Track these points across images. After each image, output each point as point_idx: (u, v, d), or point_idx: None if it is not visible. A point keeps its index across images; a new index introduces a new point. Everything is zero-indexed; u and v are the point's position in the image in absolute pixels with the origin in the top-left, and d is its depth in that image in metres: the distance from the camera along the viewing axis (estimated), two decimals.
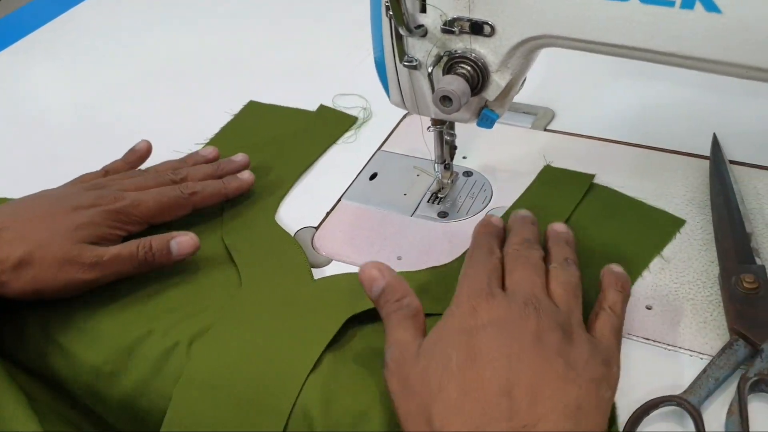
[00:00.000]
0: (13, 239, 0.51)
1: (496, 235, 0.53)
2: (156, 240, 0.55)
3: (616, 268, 0.50)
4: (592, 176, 0.62)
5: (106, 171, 0.64)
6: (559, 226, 0.54)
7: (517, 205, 0.61)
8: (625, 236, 0.57)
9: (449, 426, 0.39)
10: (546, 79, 0.74)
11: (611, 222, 0.58)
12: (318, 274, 0.58)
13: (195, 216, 0.61)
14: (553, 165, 0.64)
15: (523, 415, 0.39)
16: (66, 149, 0.76)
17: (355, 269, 0.58)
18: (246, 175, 0.63)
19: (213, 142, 0.73)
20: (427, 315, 0.50)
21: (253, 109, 0.78)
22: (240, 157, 0.66)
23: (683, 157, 0.64)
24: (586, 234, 0.56)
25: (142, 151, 0.66)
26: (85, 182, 0.61)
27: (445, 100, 0.47)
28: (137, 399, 0.52)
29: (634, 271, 0.54)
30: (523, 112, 0.71)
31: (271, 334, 0.52)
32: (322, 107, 0.76)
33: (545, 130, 0.70)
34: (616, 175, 0.63)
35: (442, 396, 0.40)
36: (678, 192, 0.61)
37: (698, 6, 0.41)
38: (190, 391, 0.50)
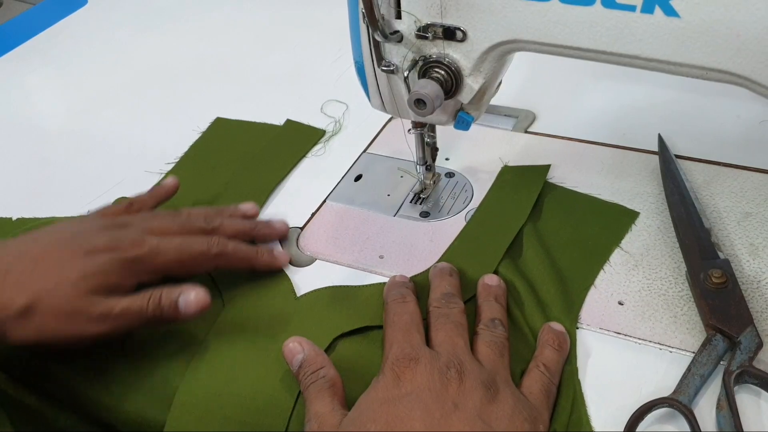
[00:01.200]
0: (17, 283, 0.48)
1: (406, 287, 0.54)
2: (165, 294, 0.50)
3: (556, 326, 0.51)
4: (548, 167, 0.65)
5: (131, 204, 0.60)
6: (490, 279, 0.54)
7: (484, 203, 0.63)
8: (585, 231, 0.59)
9: None
10: (527, 83, 0.76)
11: (570, 219, 0.60)
12: (301, 272, 0.60)
13: None
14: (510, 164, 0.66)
15: None
16: (58, 155, 0.77)
17: (337, 268, 0.60)
18: (281, 255, 0.59)
19: (182, 161, 0.73)
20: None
21: (220, 125, 0.78)
22: (280, 225, 0.62)
23: (654, 157, 0.66)
24: (551, 233, 0.59)
25: (169, 188, 0.62)
26: (107, 216, 0.57)
27: (419, 103, 0.49)
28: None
29: (596, 264, 0.56)
30: (505, 115, 0.73)
31: (258, 355, 0.52)
32: (288, 122, 0.76)
33: (526, 132, 0.71)
34: (593, 174, 0.65)
35: None
36: (653, 190, 0.62)
37: (658, 11, 0.42)
38: (183, 415, 0.51)
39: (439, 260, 0.58)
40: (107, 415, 0.52)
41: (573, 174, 0.65)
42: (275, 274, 0.60)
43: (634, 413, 0.46)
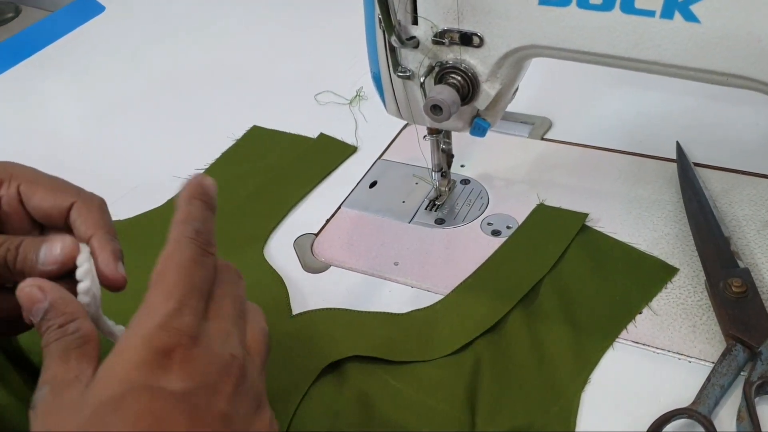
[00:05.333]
0: None
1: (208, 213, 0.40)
2: (27, 241, 0.41)
3: None
4: (585, 215, 0.61)
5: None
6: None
7: (507, 243, 0.60)
8: (614, 284, 0.55)
9: None
10: (543, 90, 0.76)
11: (600, 270, 0.56)
12: (316, 279, 0.60)
13: None
14: (546, 203, 0.63)
15: None
16: (76, 161, 0.78)
17: (351, 274, 0.60)
18: None
19: (213, 167, 0.73)
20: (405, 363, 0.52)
21: (255, 134, 0.78)
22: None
23: (672, 164, 0.65)
24: (576, 280, 0.56)
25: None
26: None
27: (435, 109, 0.49)
28: None
29: (620, 323, 0.52)
30: (521, 122, 0.72)
31: None
32: (322, 135, 0.76)
33: (542, 139, 0.71)
34: (609, 182, 0.64)
35: None
36: (671, 198, 0.62)
37: (677, 16, 0.42)
38: None
39: (452, 293, 0.57)
40: None
41: (589, 181, 0.65)
42: (273, 285, 0.60)
43: (652, 424, 0.45)
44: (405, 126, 0.75)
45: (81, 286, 0.39)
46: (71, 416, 0.32)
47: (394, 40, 0.50)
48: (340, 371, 0.53)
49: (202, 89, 0.88)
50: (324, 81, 0.84)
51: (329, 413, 0.51)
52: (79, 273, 0.39)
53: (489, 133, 0.70)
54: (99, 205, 0.44)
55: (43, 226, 0.44)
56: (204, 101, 0.85)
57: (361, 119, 0.78)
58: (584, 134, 0.70)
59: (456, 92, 0.49)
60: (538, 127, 0.72)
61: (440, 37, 0.50)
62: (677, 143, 0.65)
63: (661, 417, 0.45)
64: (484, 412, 0.48)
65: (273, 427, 0.36)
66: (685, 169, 0.62)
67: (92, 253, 0.41)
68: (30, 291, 0.36)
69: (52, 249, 0.40)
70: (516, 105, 0.70)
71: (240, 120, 0.80)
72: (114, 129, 0.83)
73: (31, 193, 0.43)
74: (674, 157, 0.65)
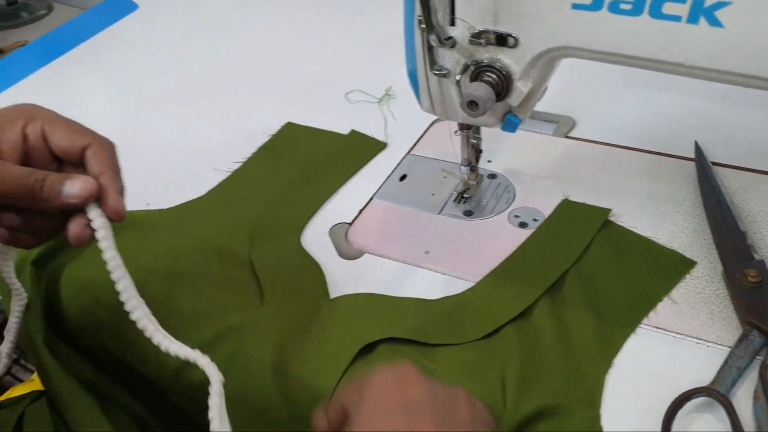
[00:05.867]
0: None
1: None
2: (52, 175, 0.47)
3: None
4: (608, 211, 0.64)
5: None
6: None
7: (534, 236, 0.63)
8: (635, 276, 0.58)
9: None
10: (567, 90, 0.78)
11: (622, 262, 0.60)
12: (351, 265, 0.63)
13: (224, 231, 0.65)
14: (571, 198, 0.66)
15: None
16: None
17: (385, 261, 0.63)
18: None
19: (250, 160, 0.77)
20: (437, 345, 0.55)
21: (289, 130, 0.81)
22: None
23: (690, 163, 0.68)
24: (599, 272, 0.59)
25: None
26: None
27: (472, 104, 0.52)
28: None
29: (641, 312, 0.55)
30: (546, 121, 0.76)
31: (293, 356, 0.55)
32: (353, 132, 0.79)
33: (566, 137, 0.74)
34: (630, 178, 0.67)
35: None
36: (689, 194, 0.65)
37: (702, 21, 0.45)
38: (232, 412, 0.53)
39: (482, 281, 0.60)
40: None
41: (611, 177, 0.68)
42: (311, 271, 0.63)
43: (673, 401, 0.48)
44: (432, 123, 0.78)
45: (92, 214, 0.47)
46: None
47: (433, 39, 0.53)
48: (376, 353, 0.56)
49: (236, 86, 0.91)
50: (354, 80, 0.88)
51: None
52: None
53: (515, 131, 0.74)
54: (110, 148, 0.50)
55: (60, 161, 0.50)
56: (238, 98, 0.89)
57: (390, 117, 0.81)
58: (606, 133, 0.73)
59: (491, 89, 0.52)
60: (562, 126, 0.75)
61: (477, 38, 0.53)
62: (695, 143, 0.68)
63: (681, 395, 0.48)
64: (513, 392, 0.51)
65: None
66: (703, 167, 0.65)
67: (101, 188, 0.47)
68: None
69: (74, 185, 0.46)
70: (541, 104, 0.73)
71: (273, 117, 0.83)
72: (150, 124, 0.86)
73: (53, 131, 0.48)
74: (693, 156, 0.68)
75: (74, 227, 0.47)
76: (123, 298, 0.47)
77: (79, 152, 0.49)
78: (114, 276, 0.47)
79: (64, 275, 0.63)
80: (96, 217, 0.46)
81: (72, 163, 0.50)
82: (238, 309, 0.60)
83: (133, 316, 0.48)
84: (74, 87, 0.97)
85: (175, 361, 0.58)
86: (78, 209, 0.47)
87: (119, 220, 0.48)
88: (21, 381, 1.70)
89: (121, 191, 0.48)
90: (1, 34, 1.42)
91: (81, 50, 1.06)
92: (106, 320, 0.61)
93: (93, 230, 0.47)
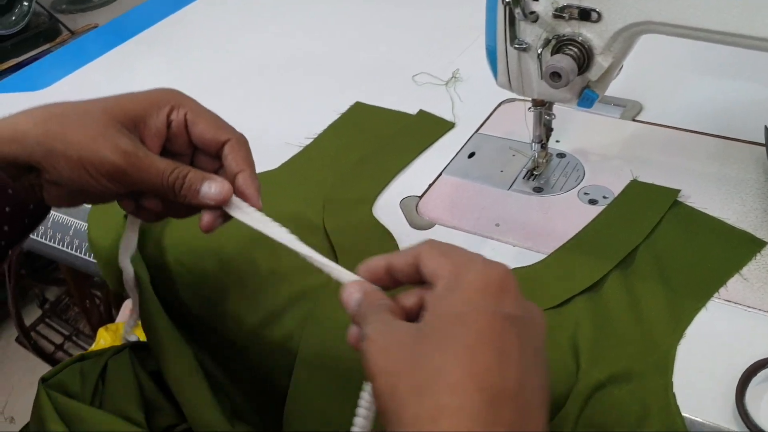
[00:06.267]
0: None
1: None
2: (193, 173, 0.49)
3: None
4: (678, 191, 0.65)
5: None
6: None
7: (605, 212, 0.64)
8: (705, 254, 0.59)
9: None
10: (634, 76, 0.79)
11: (692, 240, 0.61)
12: (422, 235, 0.65)
13: (298, 201, 0.67)
14: (639, 179, 0.67)
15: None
16: None
17: (455, 232, 0.65)
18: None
19: (321, 137, 0.79)
20: None
21: (358, 109, 0.84)
22: None
23: (759, 147, 0.69)
24: (670, 249, 0.60)
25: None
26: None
27: (555, 75, 0.54)
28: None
29: (711, 287, 0.56)
30: (613, 104, 0.77)
31: None
32: (421, 112, 0.81)
33: (633, 120, 0.75)
34: (698, 161, 0.68)
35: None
36: (759, 177, 0.65)
37: None
38: (304, 372, 0.58)
39: (554, 254, 0.61)
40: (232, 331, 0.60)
41: (678, 160, 0.69)
42: (385, 239, 0.65)
43: (747, 369, 0.49)
44: (499, 105, 0.80)
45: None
46: (407, 329, 0.38)
47: (517, 13, 0.55)
48: None
49: (305, 69, 0.93)
50: (421, 63, 0.90)
51: None
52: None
53: (582, 114, 0.75)
54: (246, 144, 0.52)
55: (195, 149, 0.52)
56: (308, 80, 0.91)
57: (456, 99, 0.83)
58: (673, 117, 0.74)
59: (574, 62, 0.54)
60: (630, 110, 0.76)
61: (561, 12, 0.54)
62: (765, 127, 0.69)
63: (755, 363, 0.49)
64: (586, 358, 0.53)
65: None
66: None
67: (240, 185, 0.49)
68: (347, 292, 0.44)
69: (212, 187, 0.49)
70: (609, 88, 0.75)
71: (342, 97, 0.85)
72: (221, 103, 0.88)
73: (195, 122, 0.50)
74: (762, 141, 0.68)
75: (208, 219, 0.49)
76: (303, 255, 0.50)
77: (218, 145, 0.51)
78: (284, 240, 0.49)
79: (149, 237, 0.66)
80: (242, 206, 0.49)
81: (208, 153, 0.52)
82: (312, 272, 0.62)
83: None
84: (142, 69, 1.00)
85: (254, 320, 0.61)
86: None
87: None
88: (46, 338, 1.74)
89: (258, 189, 0.50)
90: (72, 17, 1.47)
91: (148, 34, 1.10)
92: (187, 279, 0.64)
93: (227, 219, 0.50)
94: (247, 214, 0.49)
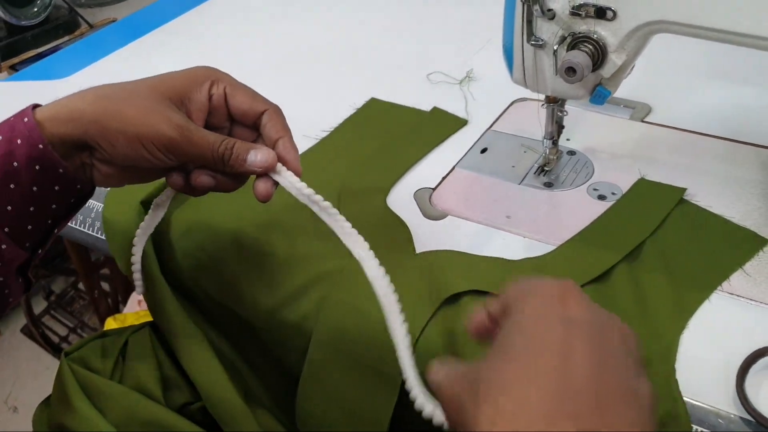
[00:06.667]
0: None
1: None
2: (239, 144, 0.52)
3: None
4: (684, 190, 0.66)
5: None
6: None
7: (613, 208, 0.66)
8: (709, 250, 0.61)
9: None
10: (644, 79, 0.81)
11: (697, 236, 0.62)
12: (434, 225, 0.67)
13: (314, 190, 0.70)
14: (647, 178, 0.69)
15: None
16: None
17: (467, 223, 0.67)
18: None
19: (337, 130, 0.82)
20: None
21: (373, 105, 0.86)
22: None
23: (766, 150, 0.71)
24: (675, 244, 0.61)
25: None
26: None
27: (570, 71, 0.56)
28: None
29: (715, 280, 0.58)
30: (623, 106, 0.79)
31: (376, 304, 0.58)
32: (435, 109, 0.83)
33: (642, 121, 0.77)
34: (705, 162, 0.70)
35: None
36: (765, 179, 0.67)
37: None
38: (319, 353, 0.59)
39: (563, 246, 0.63)
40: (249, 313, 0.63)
41: (686, 160, 0.71)
42: (398, 227, 0.67)
43: (747, 357, 0.51)
44: (511, 103, 0.82)
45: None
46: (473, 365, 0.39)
47: (536, 9, 0.57)
48: (459, 304, 0.59)
49: (323, 64, 0.96)
50: (435, 62, 0.92)
51: (449, 338, 0.57)
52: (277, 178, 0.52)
53: (592, 114, 0.78)
54: (282, 113, 0.55)
55: (232, 121, 0.55)
56: (325, 75, 0.93)
57: (470, 97, 0.85)
58: (682, 120, 0.76)
59: (589, 58, 0.56)
60: (639, 111, 0.78)
61: (577, 10, 0.56)
62: None
63: (755, 351, 0.51)
64: None
65: (652, 400, 0.39)
66: None
67: (280, 151, 0.53)
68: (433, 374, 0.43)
69: (257, 156, 0.52)
70: (618, 90, 0.77)
71: (358, 93, 0.87)
72: None
73: (234, 95, 0.54)
74: (763, 143, 0.71)
75: (263, 186, 0.52)
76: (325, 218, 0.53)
77: (256, 116, 0.54)
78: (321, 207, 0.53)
79: (170, 220, 0.68)
80: (285, 174, 0.53)
81: (245, 125, 0.55)
82: (328, 258, 0.64)
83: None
84: (160, 61, 1.02)
85: (270, 302, 0.63)
86: None
87: (298, 176, 0.54)
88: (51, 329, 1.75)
89: (297, 154, 0.54)
90: (91, 11, 1.50)
91: (167, 28, 1.12)
92: (205, 263, 0.66)
93: (276, 185, 0.53)
94: (289, 183, 0.52)
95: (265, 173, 0.52)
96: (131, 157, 0.50)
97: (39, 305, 1.81)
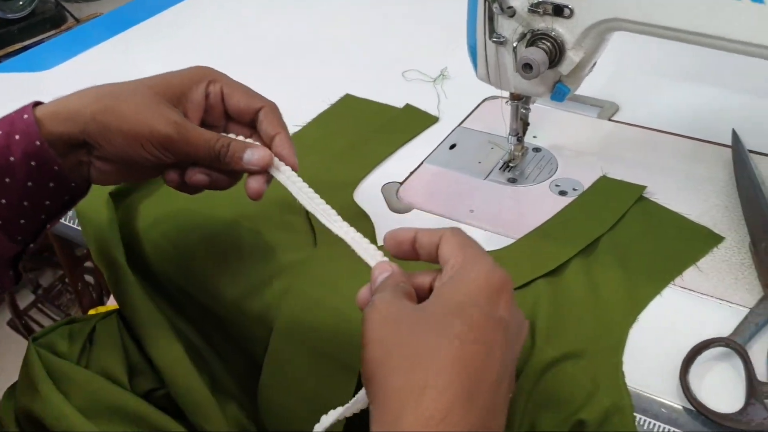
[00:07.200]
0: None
1: None
2: (235, 143, 0.53)
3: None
4: (643, 188, 0.68)
5: None
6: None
7: (572, 204, 0.67)
8: (664, 245, 0.62)
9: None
10: (612, 78, 0.83)
11: (653, 233, 0.64)
12: (400, 218, 0.68)
13: (279, 185, 0.71)
14: (609, 175, 0.70)
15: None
16: None
17: (431, 216, 0.68)
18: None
19: (310, 125, 0.83)
20: None
21: (347, 101, 0.87)
22: None
23: (727, 149, 0.72)
24: (631, 240, 0.63)
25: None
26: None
27: (527, 67, 0.57)
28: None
29: (668, 276, 0.59)
30: (591, 105, 0.80)
31: (341, 295, 0.60)
32: (407, 106, 0.84)
33: (609, 120, 0.78)
34: (668, 159, 0.72)
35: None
36: (724, 177, 0.69)
37: None
38: (280, 343, 0.61)
39: (521, 239, 0.64)
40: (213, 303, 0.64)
41: (649, 158, 0.72)
42: (361, 220, 0.68)
43: (693, 348, 0.52)
44: (482, 101, 0.83)
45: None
46: (410, 308, 0.42)
47: (495, 7, 0.58)
48: None
49: (299, 59, 0.97)
50: (412, 60, 0.93)
51: None
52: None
53: (560, 112, 0.79)
54: (278, 110, 0.57)
55: (229, 119, 0.56)
56: (302, 70, 0.94)
57: (443, 95, 0.86)
58: (648, 119, 0.77)
59: (546, 55, 0.57)
60: (606, 110, 0.79)
61: (536, 7, 0.58)
62: (733, 130, 0.72)
63: (701, 343, 0.52)
64: (542, 334, 0.56)
65: None
66: (740, 152, 0.69)
67: (277, 147, 0.55)
68: (380, 267, 0.48)
69: (254, 154, 0.53)
70: (586, 89, 0.78)
71: (333, 88, 0.88)
72: None
73: (231, 93, 0.55)
74: (730, 143, 0.72)
75: (255, 184, 0.54)
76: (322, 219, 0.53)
77: (253, 113, 0.55)
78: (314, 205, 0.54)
79: (139, 211, 0.69)
80: (284, 169, 0.54)
81: (241, 122, 0.56)
82: (293, 250, 0.65)
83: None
84: (143, 55, 1.03)
85: (235, 292, 0.64)
86: None
87: (295, 172, 0.55)
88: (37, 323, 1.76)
89: (294, 149, 0.55)
90: (78, 6, 1.51)
91: (151, 23, 1.13)
92: (172, 253, 0.67)
93: (269, 181, 0.54)
94: (287, 178, 0.54)
95: (260, 172, 0.53)
96: (129, 155, 0.51)
97: (27, 298, 1.81)
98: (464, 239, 0.45)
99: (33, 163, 0.50)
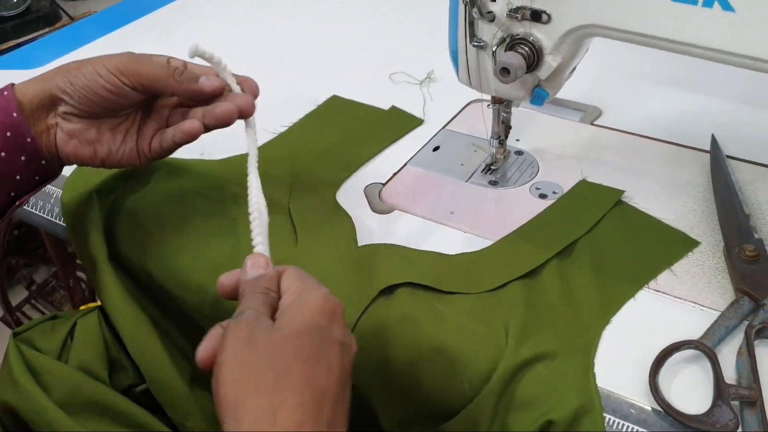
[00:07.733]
0: None
1: None
2: (191, 66, 0.60)
3: None
4: (621, 192, 0.68)
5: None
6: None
7: (551, 207, 0.68)
8: (640, 249, 0.63)
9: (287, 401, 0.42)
10: (596, 83, 0.84)
11: (630, 236, 0.64)
12: (381, 219, 0.69)
13: (267, 182, 0.72)
14: (589, 179, 0.70)
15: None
16: None
17: (412, 218, 0.69)
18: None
19: (296, 125, 0.83)
20: (450, 293, 0.60)
21: (334, 102, 0.88)
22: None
23: (705, 154, 0.73)
24: (608, 244, 0.63)
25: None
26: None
27: (504, 71, 0.58)
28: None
29: (642, 279, 0.60)
30: (574, 109, 0.81)
31: None
32: (393, 108, 0.85)
33: (591, 124, 0.79)
34: (648, 163, 0.72)
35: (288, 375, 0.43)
36: (702, 182, 0.69)
37: (716, 5, 0.50)
38: None
39: (499, 242, 0.65)
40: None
41: (629, 163, 0.72)
42: (342, 220, 0.68)
43: (663, 350, 0.53)
44: (467, 105, 0.84)
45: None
46: (269, 329, 0.46)
47: (475, 12, 0.59)
48: (394, 295, 0.61)
49: (289, 59, 0.98)
50: (399, 62, 0.94)
51: (382, 328, 0.59)
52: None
53: (543, 115, 0.80)
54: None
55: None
56: (290, 70, 0.95)
57: (428, 98, 0.87)
58: (630, 124, 0.78)
59: (523, 59, 0.58)
60: (589, 114, 0.80)
61: (514, 12, 0.58)
62: (712, 136, 0.73)
63: (671, 345, 0.53)
64: (516, 336, 0.56)
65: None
66: (718, 158, 0.70)
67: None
68: (257, 258, 0.51)
69: (209, 78, 0.60)
70: (570, 93, 0.79)
71: (321, 89, 0.89)
72: None
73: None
74: (709, 149, 0.73)
75: (189, 123, 0.59)
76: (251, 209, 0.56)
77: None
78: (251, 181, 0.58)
79: (122, 209, 0.70)
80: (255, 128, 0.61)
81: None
82: (274, 248, 0.66)
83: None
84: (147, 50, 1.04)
85: (214, 289, 0.64)
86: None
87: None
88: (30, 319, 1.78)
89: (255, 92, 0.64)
90: (73, 4, 1.52)
91: (144, 21, 1.14)
92: (153, 251, 0.68)
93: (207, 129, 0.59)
94: (249, 135, 0.61)
95: (212, 95, 0.59)
96: (91, 91, 0.56)
97: (20, 294, 1.82)
98: (303, 273, 0.51)
99: (8, 134, 0.55)
